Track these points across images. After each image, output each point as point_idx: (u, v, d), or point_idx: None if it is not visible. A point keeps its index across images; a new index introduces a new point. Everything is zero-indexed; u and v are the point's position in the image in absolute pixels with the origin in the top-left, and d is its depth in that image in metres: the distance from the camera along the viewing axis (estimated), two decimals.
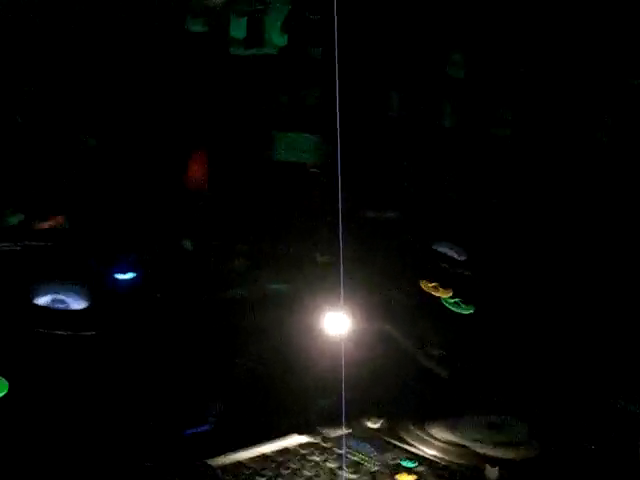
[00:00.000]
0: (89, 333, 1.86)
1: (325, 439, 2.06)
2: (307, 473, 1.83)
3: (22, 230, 2.13)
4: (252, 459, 1.90)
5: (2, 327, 1.77)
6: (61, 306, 1.90)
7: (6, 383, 1.68)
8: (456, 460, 1.97)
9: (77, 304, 1.93)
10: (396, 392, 2.25)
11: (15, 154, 2.32)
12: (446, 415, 2.18)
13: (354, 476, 1.84)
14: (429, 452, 2.01)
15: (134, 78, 2.58)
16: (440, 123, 3.00)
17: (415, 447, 2.04)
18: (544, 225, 2.69)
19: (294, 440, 2.05)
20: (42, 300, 1.89)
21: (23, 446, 1.68)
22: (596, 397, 2.16)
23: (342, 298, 2.23)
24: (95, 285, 1.97)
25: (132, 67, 2.58)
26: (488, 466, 1.87)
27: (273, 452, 1.95)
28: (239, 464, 1.87)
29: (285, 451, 1.96)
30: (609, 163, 2.67)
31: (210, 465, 1.85)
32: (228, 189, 2.72)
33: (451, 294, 2.47)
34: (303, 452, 1.94)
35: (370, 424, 2.16)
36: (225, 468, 1.84)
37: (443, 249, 2.71)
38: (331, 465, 1.89)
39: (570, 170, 2.71)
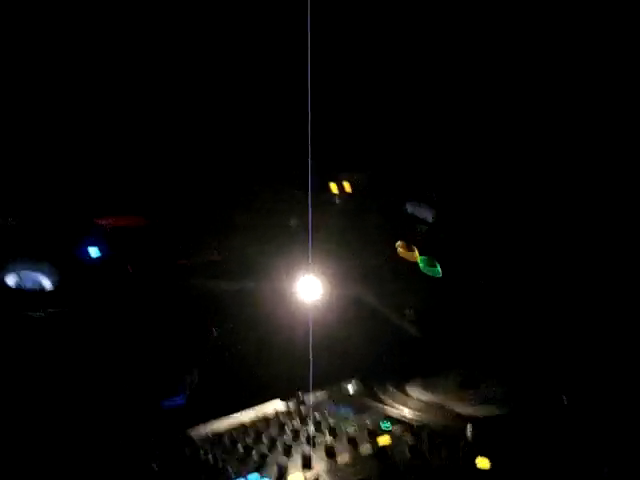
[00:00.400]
0: (60, 310, 1.84)
1: (303, 405, 2.07)
2: (286, 439, 1.84)
3: None
4: (231, 428, 1.91)
5: None
6: (32, 285, 1.89)
7: None
8: (434, 419, 1.99)
9: (48, 282, 1.91)
10: (372, 355, 2.26)
11: None
12: (422, 375, 2.20)
13: (332, 439, 1.85)
14: (407, 413, 2.03)
15: None
16: None
17: (393, 408, 2.06)
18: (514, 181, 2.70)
19: (272, 407, 2.06)
20: (11, 280, 1.87)
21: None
22: (565, 354, 2.19)
23: (312, 262, 2.24)
24: (65, 262, 1.95)
25: None
26: (468, 425, 1.90)
27: (252, 420, 1.96)
28: (218, 434, 1.87)
29: (263, 419, 1.97)
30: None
31: (190, 436, 1.86)
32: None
33: (418, 253, 2.48)
34: (281, 419, 1.95)
35: (347, 387, 2.17)
36: (205, 438, 1.85)
37: (413, 210, 2.71)
38: (310, 431, 1.91)
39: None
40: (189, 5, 2.51)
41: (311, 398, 2.11)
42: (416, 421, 1.97)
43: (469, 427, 1.91)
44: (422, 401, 2.09)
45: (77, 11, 2.30)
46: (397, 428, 1.95)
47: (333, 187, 2.73)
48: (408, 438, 1.90)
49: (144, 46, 2.47)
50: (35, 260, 1.91)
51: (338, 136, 2.78)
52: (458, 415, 2.00)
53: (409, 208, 2.72)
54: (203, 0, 2.55)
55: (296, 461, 1.77)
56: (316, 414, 1.99)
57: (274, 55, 2.69)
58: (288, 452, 1.81)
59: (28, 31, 2.24)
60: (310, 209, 2.23)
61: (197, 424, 1.91)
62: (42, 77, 2.28)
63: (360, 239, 2.50)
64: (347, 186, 2.76)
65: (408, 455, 1.84)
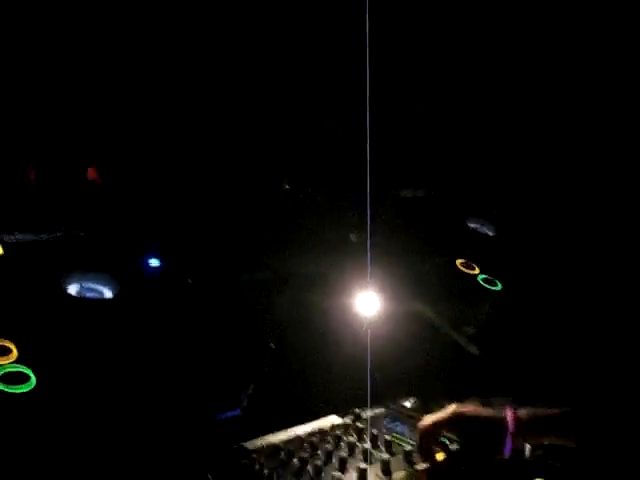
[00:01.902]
0: (118, 320, 1.87)
1: (359, 420, 2.06)
2: (342, 454, 1.83)
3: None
4: (287, 441, 1.90)
5: (35, 316, 1.79)
6: (92, 295, 1.92)
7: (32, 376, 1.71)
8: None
9: (108, 292, 1.95)
10: (429, 371, 2.24)
11: None
12: (479, 393, 2.17)
13: (389, 456, 1.83)
14: None
15: None
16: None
17: None
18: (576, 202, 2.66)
19: (328, 421, 2.06)
20: (74, 289, 1.91)
21: (56, 433, 1.70)
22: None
23: (371, 277, 2.24)
24: (126, 273, 1.98)
25: None
26: (527, 445, 1.86)
27: (307, 434, 1.96)
28: (274, 447, 1.87)
29: (320, 432, 1.96)
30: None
31: (246, 448, 1.86)
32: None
33: (480, 271, 2.46)
34: (337, 433, 1.94)
35: (404, 403, 2.16)
36: (260, 451, 1.85)
37: (474, 225, 2.70)
38: (366, 445, 1.90)
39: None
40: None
41: (368, 413, 2.10)
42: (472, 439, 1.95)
43: (527, 446, 1.88)
44: None
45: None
46: (455, 445, 1.93)
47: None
48: (462, 455, 1.88)
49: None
50: (97, 270, 1.95)
51: (398, 152, 2.78)
52: None
53: (470, 224, 2.71)
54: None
55: (351, 476, 1.75)
56: (373, 430, 1.97)
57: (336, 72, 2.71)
58: (343, 467, 1.79)
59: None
60: (369, 225, 2.23)
61: (253, 437, 1.92)
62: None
63: (420, 255, 2.50)
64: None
65: (465, 472, 1.82)
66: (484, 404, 2.01)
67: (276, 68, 2.66)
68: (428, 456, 1.84)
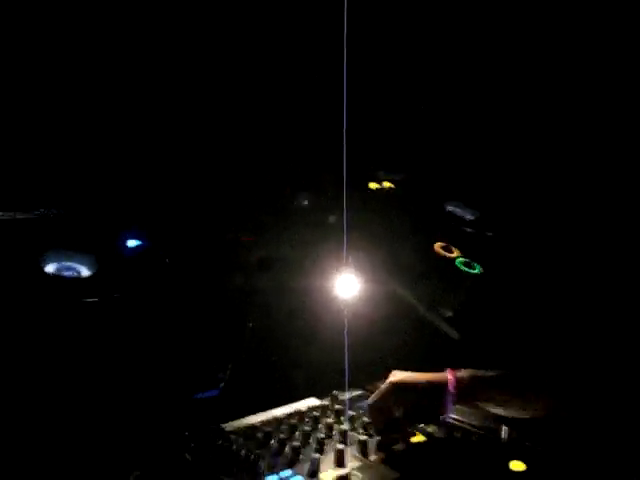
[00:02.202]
0: (95, 299, 1.86)
1: (337, 401, 2.07)
2: (320, 435, 1.84)
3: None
4: (265, 422, 1.91)
5: (13, 295, 1.77)
6: (70, 273, 1.91)
7: None
8: (468, 420, 1.98)
9: (86, 271, 1.93)
10: (407, 353, 2.25)
11: None
12: None
13: (366, 437, 1.84)
14: None
15: None
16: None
17: None
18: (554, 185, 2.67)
19: (306, 403, 2.07)
20: (51, 268, 1.89)
21: (37, 411, 1.69)
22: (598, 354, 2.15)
23: (349, 260, 2.24)
24: (104, 252, 1.97)
25: None
26: (503, 427, 1.88)
27: (286, 415, 1.97)
28: (253, 427, 1.88)
29: (297, 414, 1.97)
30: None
31: (224, 429, 1.86)
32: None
33: (459, 254, 2.46)
34: (315, 414, 1.95)
35: (381, 385, 2.16)
36: (239, 432, 1.85)
37: (453, 208, 2.70)
38: (343, 427, 1.90)
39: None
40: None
41: (346, 395, 2.10)
42: (451, 421, 1.96)
43: (504, 428, 1.89)
44: None
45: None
46: (431, 427, 1.94)
47: (372, 186, 2.73)
48: (444, 438, 1.89)
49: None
50: (74, 250, 1.94)
51: (377, 135, 2.78)
52: (493, 416, 1.98)
53: (448, 207, 2.71)
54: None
55: (329, 457, 1.76)
56: (350, 412, 1.98)
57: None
58: (321, 448, 1.80)
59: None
60: (346, 207, 2.23)
61: (231, 418, 1.92)
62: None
63: (398, 238, 2.49)
64: (387, 185, 2.75)
65: (441, 455, 1.83)
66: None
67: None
68: (385, 432, 1.87)
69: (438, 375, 1.87)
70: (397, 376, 1.89)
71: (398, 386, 1.86)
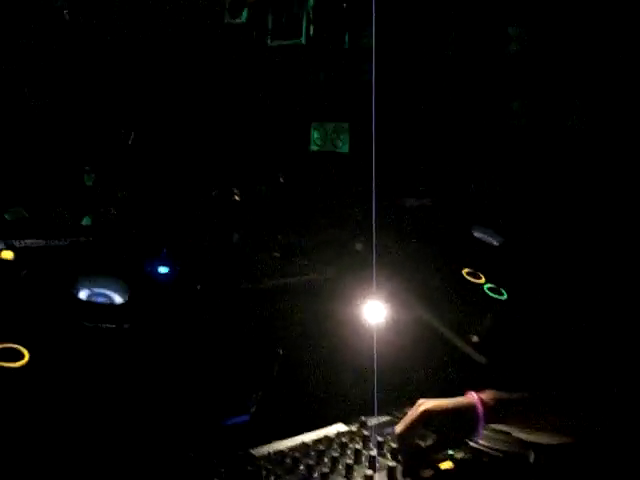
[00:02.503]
0: (128, 325, 1.88)
1: (365, 427, 2.07)
2: (348, 461, 1.84)
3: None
4: (293, 448, 1.91)
5: (46, 320, 1.80)
6: (102, 300, 1.94)
7: None
8: (496, 446, 1.97)
9: (118, 298, 1.96)
10: (435, 379, 2.25)
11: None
12: None
13: (394, 463, 1.84)
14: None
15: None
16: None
17: None
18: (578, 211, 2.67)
19: (334, 428, 2.07)
20: (84, 294, 1.92)
21: (65, 435, 1.71)
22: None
23: (377, 286, 2.25)
24: (135, 279, 2.00)
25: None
26: (531, 452, 1.87)
27: (314, 441, 1.97)
28: (281, 453, 1.88)
29: (326, 439, 1.97)
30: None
31: (253, 454, 1.87)
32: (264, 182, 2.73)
33: (486, 280, 2.47)
34: (344, 440, 1.95)
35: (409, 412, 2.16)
36: (267, 457, 1.86)
37: (480, 234, 2.71)
38: (372, 452, 1.90)
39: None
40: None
41: (374, 421, 2.10)
42: (480, 447, 1.96)
43: (532, 454, 1.89)
44: (487, 428, 2.07)
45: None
46: (459, 453, 1.94)
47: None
48: (472, 464, 1.89)
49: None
50: (105, 276, 1.97)
51: (404, 160, 2.80)
52: (521, 441, 1.98)
53: (476, 233, 2.72)
54: None
55: None
56: (379, 437, 1.98)
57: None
58: (350, 474, 1.80)
59: None
60: (374, 233, 2.25)
61: (259, 444, 1.92)
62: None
63: (426, 264, 2.50)
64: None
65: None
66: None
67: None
68: (413, 460, 1.86)
69: (463, 399, 1.88)
70: (425, 404, 1.89)
71: (427, 413, 1.86)
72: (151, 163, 2.43)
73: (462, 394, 1.91)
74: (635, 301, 2.24)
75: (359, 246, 2.55)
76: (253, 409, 2.00)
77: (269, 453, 1.88)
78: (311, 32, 2.96)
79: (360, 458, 1.88)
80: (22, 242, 1.98)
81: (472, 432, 1.86)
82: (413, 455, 1.87)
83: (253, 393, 2.04)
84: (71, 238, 2.04)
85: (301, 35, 2.95)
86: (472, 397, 1.86)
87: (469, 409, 1.85)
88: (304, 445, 1.94)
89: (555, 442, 1.88)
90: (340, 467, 1.83)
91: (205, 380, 1.99)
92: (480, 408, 1.84)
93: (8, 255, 1.94)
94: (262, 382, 2.09)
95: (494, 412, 1.85)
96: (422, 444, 1.87)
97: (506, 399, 1.88)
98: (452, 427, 1.87)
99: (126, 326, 1.88)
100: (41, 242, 1.96)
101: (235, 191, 2.67)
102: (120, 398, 1.81)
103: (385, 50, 2.54)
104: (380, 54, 2.40)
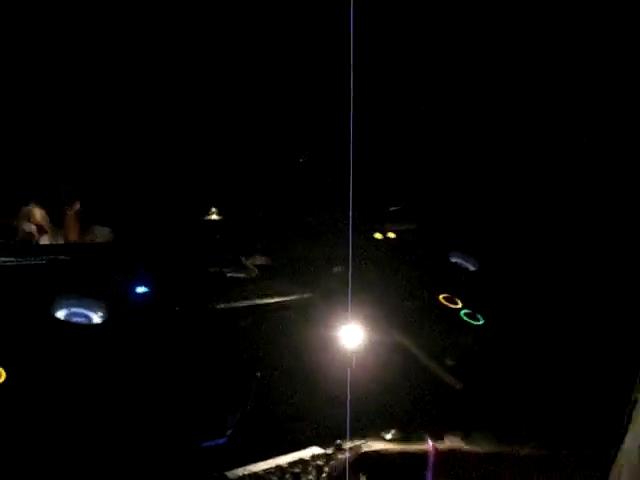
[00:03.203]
0: (104, 345, 1.87)
1: (340, 450, 2.06)
2: None
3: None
4: (269, 470, 1.91)
5: (23, 339, 1.79)
6: (80, 320, 1.93)
7: None
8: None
9: (96, 317, 1.95)
10: (410, 403, 2.25)
11: None
12: (461, 426, 2.19)
13: None
14: None
15: None
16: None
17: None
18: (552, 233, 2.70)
19: (309, 451, 2.06)
20: (61, 313, 1.91)
21: (42, 452, 1.70)
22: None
23: (353, 310, 2.25)
24: (114, 299, 1.99)
25: None
26: None
27: (289, 464, 1.96)
28: (256, 476, 1.88)
29: (301, 462, 1.96)
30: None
31: (228, 477, 1.86)
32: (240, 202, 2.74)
33: (462, 305, 2.48)
34: (319, 463, 1.95)
35: (384, 435, 2.17)
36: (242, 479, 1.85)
37: (457, 260, 2.73)
38: (347, 477, 1.90)
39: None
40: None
41: (349, 444, 2.10)
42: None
43: None
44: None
45: None
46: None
47: (378, 237, 2.76)
48: None
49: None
50: (84, 296, 1.96)
51: (381, 187, 2.82)
52: None
53: (453, 258, 2.74)
54: None
55: None
56: None
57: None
58: None
59: None
60: (351, 258, 2.25)
61: (234, 466, 1.92)
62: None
63: (402, 288, 2.52)
64: (392, 236, 2.78)
65: None
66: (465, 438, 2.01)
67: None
68: None
69: (415, 446, 1.80)
70: (370, 446, 1.83)
71: (364, 457, 1.81)
72: (131, 185, 2.43)
73: (436, 418, 1.89)
74: (609, 324, 2.27)
75: (336, 269, 2.56)
76: (230, 431, 1.99)
77: (244, 476, 1.88)
78: None
79: None
80: None
81: None
82: None
83: (230, 415, 2.03)
84: (48, 256, 2.03)
85: None
86: (427, 445, 1.77)
87: (418, 458, 1.76)
88: (280, 468, 1.93)
89: None
90: None
91: (182, 401, 1.98)
92: (432, 459, 1.74)
93: None
94: (240, 404, 2.08)
95: (447, 465, 1.76)
96: None
97: (466, 452, 1.79)
98: (393, 476, 1.79)
99: (104, 347, 1.87)
100: (19, 260, 1.95)
101: (212, 210, 2.68)
102: (97, 417, 1.80)
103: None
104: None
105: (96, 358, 1.86)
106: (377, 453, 1.79)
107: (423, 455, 1.76)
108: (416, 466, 1.77)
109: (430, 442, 1.75)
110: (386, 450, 1.81)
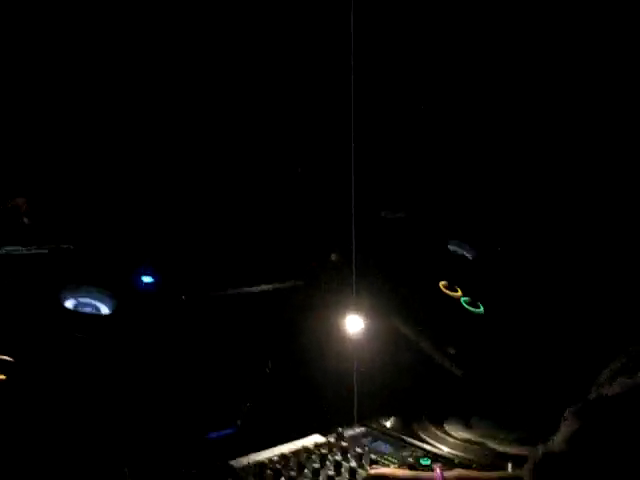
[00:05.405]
0: (114, 336, 1.87)
1: (342, 438, 2.08)
2: (329, 472, 1.85)
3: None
4: (273, 460, 1.92)
5: (32, 329, 1.79)
6: (89, 310, 1.93)
7: None
8: (473, 457, 2.00)
9: (104, 308, 1.95)
10: (411, 390, 2.27)
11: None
12: (461, 413, 2.21)
13: None
14: (446, 450, 2.04)
15: None
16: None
17: (431, 445, 2.07)
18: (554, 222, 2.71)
19: (312, 440, 2.07)
20: (70, 303, 1.91)
21: (49, 445, 1.70)
22: None
23: (355, 297, 2.26)
24: (120, 289, 1.99)
25: None
26: (509, 464, 1.90)
27: (293, 452, 1.97)
28: (261, 465, 1.88)
29: (305, 451, 1.98)
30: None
31: (232, 466, 1.87)
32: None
33: (461, 292, 2.50)
34: (323, 451, 1.96)
35: (384, 423, 2.19)
36: (247, 469, 1.86)
37: (455, 248, 2.74)
38: (352, 464, 1.92)
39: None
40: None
41: (350, 432, 2.12)
42: (456, 458, 1.98)
43: (510, 466, 1.91)
44: (462, 439, 2.10)
45: None
46: (436, 465, 1.95)
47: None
48: None
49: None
50: (91, 285, 1.95)
51: (381, 173, 2.82)
52: (498, 454, 2.00)
53: (452, 247, 2.75)
54: None
55: None
56: (357, 449, 1.99)
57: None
58: None
59: None
60: (354, 246, 2.26)
61: (238, 455, 1.92)
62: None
63: (403, 277, 2.53)
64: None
65: None
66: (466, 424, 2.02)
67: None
68: None
69: (424, 473, 1.78)
70: (378, 470, 1.82)
71: None
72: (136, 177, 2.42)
73: (437, 406, 1.90)
74: (609, 314, 2.28)
75: (334, 256, 2.56)
76: (240, 421, 2.00)
77: (249, 465, 1.89)
78: None
79: (340, 470, 1.90)
80: (1, 250, 1.96)
81: None
82: None
83: (241, 405, 2.04)
84: (51, 246, 2.02)
85: None
86: (435, 473, 1.73)
87: None
88: (283, 457, 1.94)
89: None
90: (321, 479, 1.84)
91: (192, 391, 1.98)
92: None
93: None
94: (250, 394, 2.09)
95: None
96: None
97: (473, 478, 1.77)
98: None
99: (112, 337, 1.87)
100: (27, 249, 1.94)
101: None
102: (106, 408, 1.80)
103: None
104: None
105: (105, 348, 1.86)
106: (385, 477, 1.79)
107: None
108: None
109: (438, 471, 1.75)
110: (395, 474, 1.79)
